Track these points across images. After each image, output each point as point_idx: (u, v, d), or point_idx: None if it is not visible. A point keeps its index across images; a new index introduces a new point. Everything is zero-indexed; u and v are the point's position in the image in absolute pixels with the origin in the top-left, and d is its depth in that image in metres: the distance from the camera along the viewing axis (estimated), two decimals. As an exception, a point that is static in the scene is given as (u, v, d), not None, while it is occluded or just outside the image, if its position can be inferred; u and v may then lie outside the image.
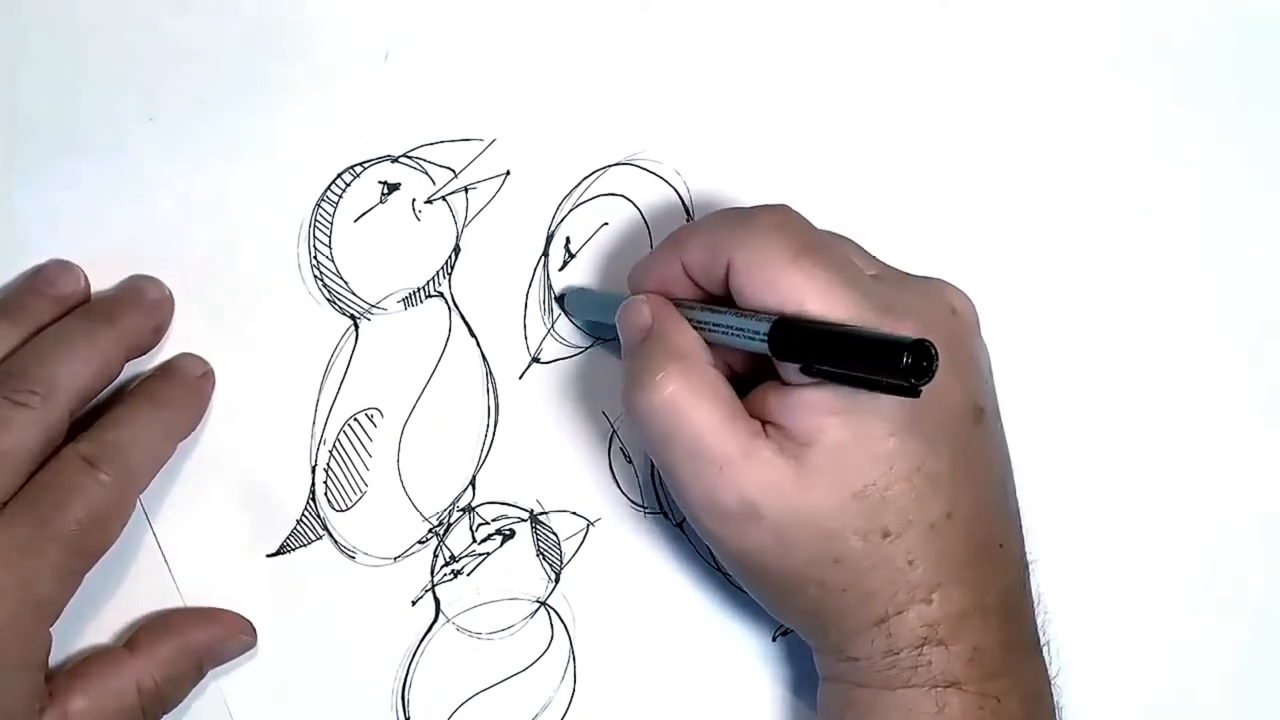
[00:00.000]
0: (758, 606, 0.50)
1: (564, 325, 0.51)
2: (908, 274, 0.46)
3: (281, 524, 0.50)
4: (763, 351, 0.42)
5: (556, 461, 0.51)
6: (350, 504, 0.50)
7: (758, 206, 0.45)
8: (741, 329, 0.43)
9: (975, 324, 0.45)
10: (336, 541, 0.50)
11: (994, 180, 0.52)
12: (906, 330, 0.41)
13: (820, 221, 0.47)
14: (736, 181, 0.51)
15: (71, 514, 0.44)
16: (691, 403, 0.43)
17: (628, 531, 0.51)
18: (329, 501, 0.50)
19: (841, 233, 0.46)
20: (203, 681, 0.49)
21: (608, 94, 0.51)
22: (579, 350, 0.51)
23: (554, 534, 0.51)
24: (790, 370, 0.42)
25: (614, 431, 0.51)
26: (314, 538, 0.50)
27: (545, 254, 0.51)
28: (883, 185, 0.52)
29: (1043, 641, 0.45)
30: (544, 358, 0.51)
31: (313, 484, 0.50)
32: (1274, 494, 0.53)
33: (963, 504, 0.43)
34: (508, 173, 0.51)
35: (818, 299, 0.42)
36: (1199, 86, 0.53)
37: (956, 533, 0.43)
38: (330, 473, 0.50)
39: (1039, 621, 0.45)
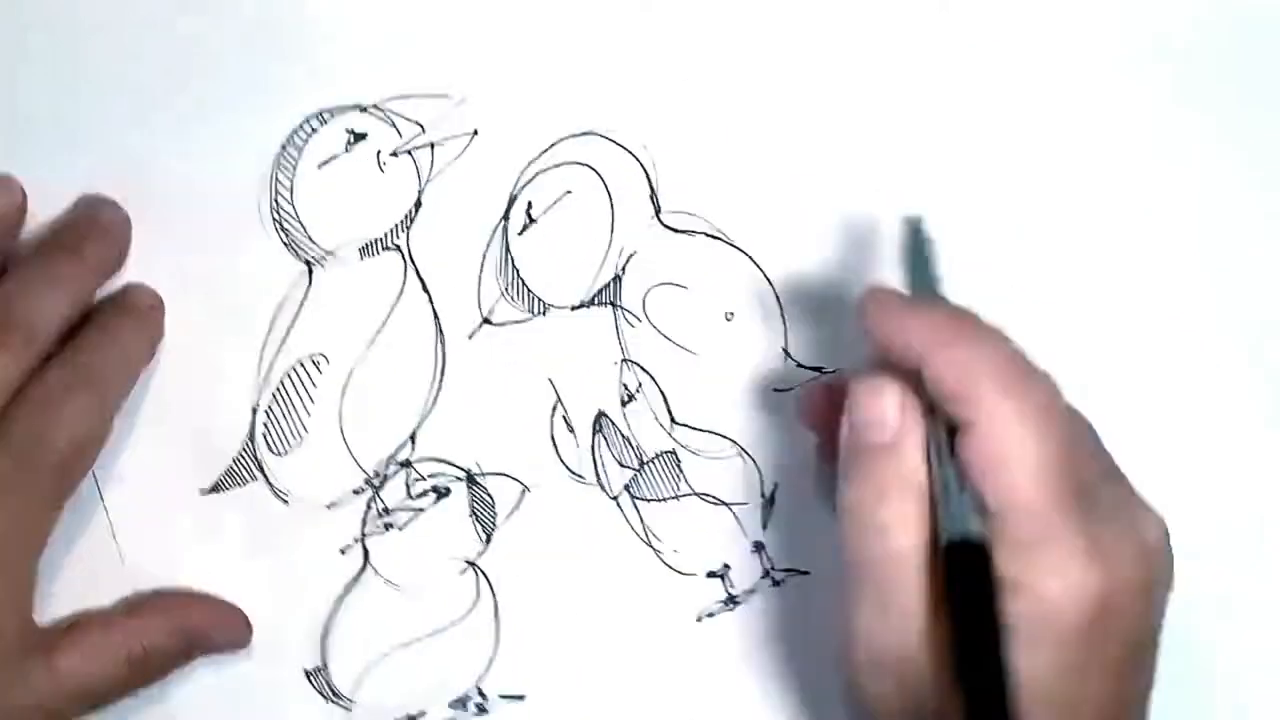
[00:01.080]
0: (685, 588, 0.50)
1: (518, 290, 0.51)
2: (1127, 492, 0.42)
3: (217, 462, 0.50)
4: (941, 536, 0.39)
5: (498, 424, 0.51)
6: (288, 448, 0.50)
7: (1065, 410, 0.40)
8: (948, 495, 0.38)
9: (1168, 558, 0.41)
10: (271, 484, 0.50)
11: (991, 179, 0.52)
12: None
13: (805, 216, 0.47)
14: (706, 163, 0.51)
15: (52, 443, 0.44)
16: (899, 538, 0.39)
17: (563, 500, 0.51)
18: (267, 444, 0.50)
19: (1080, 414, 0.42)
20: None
21: (582, 62, 0.51)
22: (531, 316, 0.51)
23: (489, 496, 0.51)
24: None
25: (558, 399, 0.51)
26: (248, 479, 0.50)
27: (506, 217, 0.51)
28: (871, 182, 0.51)
29: None
30: (495, 320, 0.51)
31: (252, 425, 0.50)
32: (1273, 496, 0.52)
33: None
34: (475, 132, 0.51)
35: (1027, 481, 0.37)
36: (1199, 86, 0.52)
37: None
38: (271, 415, 0.50)
39: None
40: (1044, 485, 0.37)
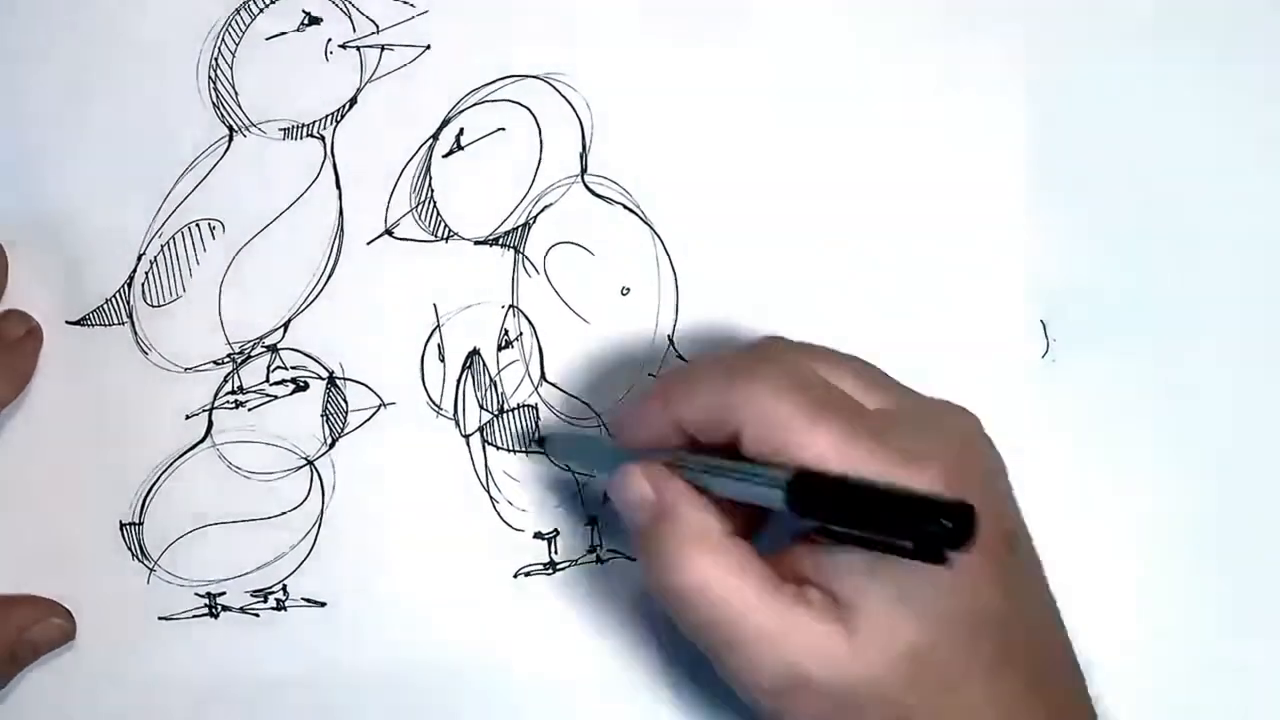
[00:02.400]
0: (511, 542, 0.50)
1: (427, 211, 0.51)
2: (917, 398, 0.44)
3: (90, 297, 0.50)
4: (778, 507, 0.40)
5: (372, 334, 0.51)
6: (163, 302, 0.50)
7: (757, 355, 0.43)
8: (754, 479, 0.40)
9: (989, 446, 0.43)
10: (136, 332, 0.50)
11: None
12: (930, 479, 0.39)
13: (724, 216, 0.47)
14: (643, 137, 0.51)
15: None
16: (723, 583, 0.41)
17: (416, 425, 0.51)
18: (143, 293, 0.50)
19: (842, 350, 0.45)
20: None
21: (551, 5, 0.51)
22: (433, 239, 0.51)
23: (345, 401, 0.51)
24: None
25: (438, 327, 0.51)
26: (116, 321, 0.50)
27: (435, 137, 0.51)
28: (802, 195, 0.51)
29: None
30: (397, 234, 0.51)
31: (134, 271, 0.50)
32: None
33: (1016, 640, 0.41)
34: (428, 46, 0.51)
35: (839, 457, 0.40)
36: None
37: (1016, 673, 0.41)
38: (155, 265, 0.50)
39: None
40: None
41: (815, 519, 0.40)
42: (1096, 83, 0.52)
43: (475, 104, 0.51)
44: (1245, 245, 0.52)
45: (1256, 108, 0.52)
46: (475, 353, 0.51)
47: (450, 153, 0.51)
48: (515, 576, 0.51)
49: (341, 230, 0.51)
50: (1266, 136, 0.52)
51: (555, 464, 0.50)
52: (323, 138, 0.51)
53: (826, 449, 0.40)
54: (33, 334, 0.49)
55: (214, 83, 0.50)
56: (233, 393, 0.50)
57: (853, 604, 0.40)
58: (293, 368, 0.51)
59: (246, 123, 0.50)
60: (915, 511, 0.37)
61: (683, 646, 0.48)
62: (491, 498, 0.51)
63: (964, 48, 0.52)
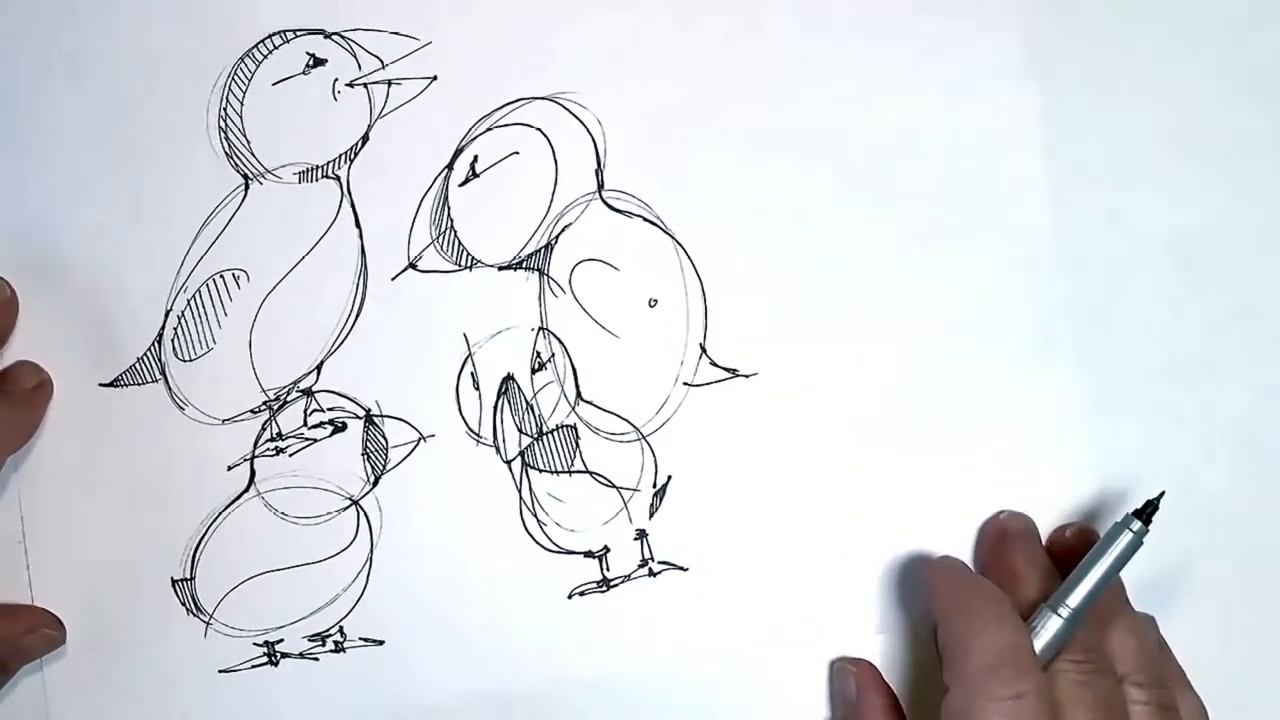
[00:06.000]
0: (562, 563, 0.50)
1: (448, 241, 0.51)
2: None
3: (122, 357, 0.50)
4: None
5: (406, 369, 0.51)
6: (194, 356, 0.50)
7: None
8: None
9: None
10: (171, 388, 0.50)
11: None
12: None
13: (747, 221, 0.48)
14: (657, 149, 0.51)
15: None
16: None
17: (457, 456, 0.51)
18: (174, 348, 0.50)
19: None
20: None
21: (552, 28, 0.51)
22: (457, 268, 0.51)
23: (384, 438, 0.51)
24: None
25: (470, 355, 0.51)
26: (150, 379, 0.50)
27: (450, 166, 0.51)
28: (823, 204, 0.51)
29: None
30: (421, 266, 0.51)
31: (163, 327, 0.50)
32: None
33: None
34: (434, 78, 0.51)
35: None
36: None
37: None
38: (183, 320, 0.50)
39: None
40: None
41: None
42: (1101, 81, 0.52)
43: (487, 130, 0.51)
44: (1246, 244, 0.52)
45: (1260, 104, 0.52)
46: (510, 378, 0.51)
47: (466, 181, 0.51)
48: (570, 597, 0.51)
49: (365, 268, 0.51)
50: (1271, 132, 0.52)
51: (598, 480, 0.51)
52: (338, 178, 0.51)
53: None
54: (43, 386, 0.49)
55: (224, 133, 0.50)
56: (272, 440, 0.50)
57: None
58: (329, 409, 0.51)
59: (261, 170, 0.50)
60: None
61: (740, 659, 0.49)
62: (539, 520, 0.51)
63: (969, 50, 0.51)
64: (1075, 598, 0.46)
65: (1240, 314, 0.52)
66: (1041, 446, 0.51)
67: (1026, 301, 0.51)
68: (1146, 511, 0.47)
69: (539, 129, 0.51)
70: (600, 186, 0.51)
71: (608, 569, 0.51)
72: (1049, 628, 0.46)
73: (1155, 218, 0.52)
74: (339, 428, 0.51)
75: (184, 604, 0.50)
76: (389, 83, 0.51)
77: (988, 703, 0.43)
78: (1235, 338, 0.52)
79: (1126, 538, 0.46)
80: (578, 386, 0.51)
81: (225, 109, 0.50)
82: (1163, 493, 0.47)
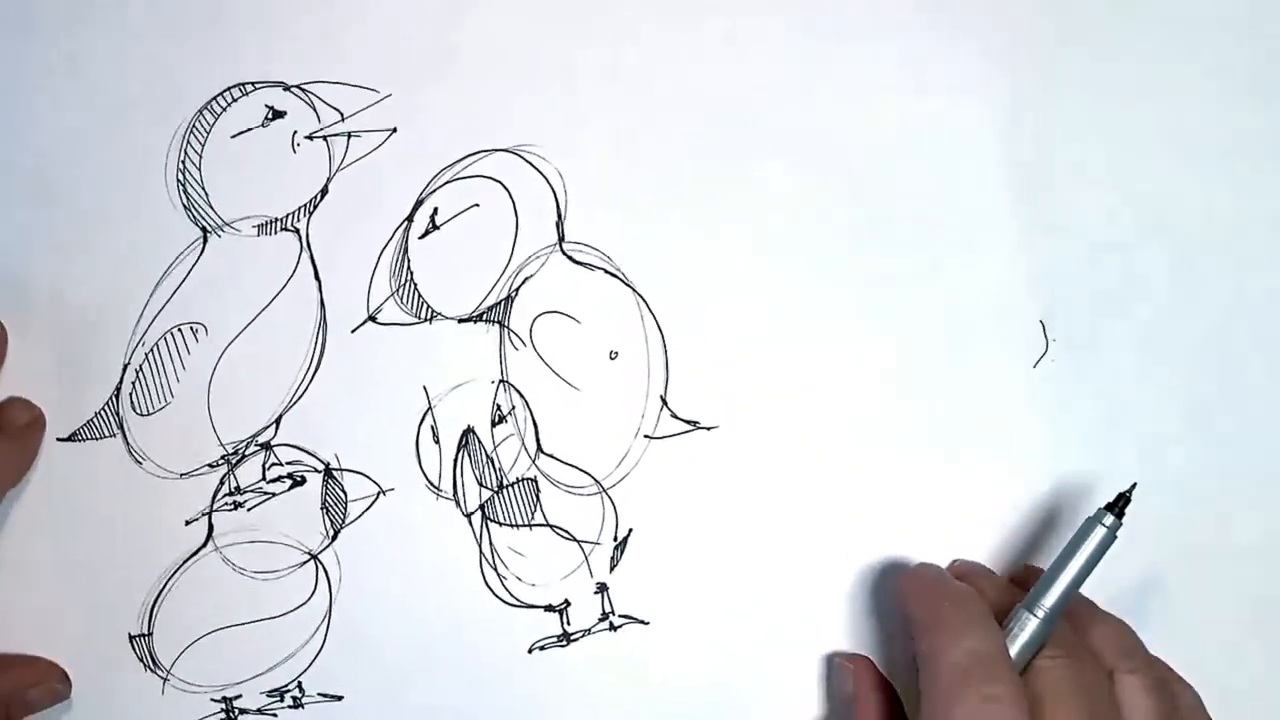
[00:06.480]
0: (523, 617, 0.50)
1: (408, 293, 0.51)
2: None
3: (80, 412, 0.50)
4: None
5: (365, 422, 0.51)
6: (152, 410, 0.50)
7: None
8: None
9: None
10: (128, 443, 0.50)
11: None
12: None
13: (706, 273, 0.48)
14: (617, 202, 0.51)
15: None
16: None
17: (416, 509, 0.51)
18: (132, 402, 0.50)
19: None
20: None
21: (512, 82, 0.51)
22: (417, 321, 0.51)
23: (343, 492, 0.50)
24: None
25: (430, 408, 0.51)
26: (107, 434, 0.50)
27: (410, 218, 0.51)
28: (782, 253, 0.51)
29: None
30: (381, 319, 0.51)
31: (120, 381, 0.50)
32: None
33: None
34: (394, 130, 0.51)
35: None
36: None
37: None
38: (140, 375, 0.50)
39: None
40: None
41: None
42: (1100, 81, 0.52)
43: (447, 182, 0.51)
44: (1241, 243, 0.52)
45: (1260, 104, 0.52)
46: (470, 431, 0.51)
47: (426, 233, 0.51)
48: (530, 651, 0.51)
49: (324, 321, 0.50)
50: (1271, 132, 0.52)
51: (559, 533, 0.50)
52: (297, 230, 0.50)
53: None
54: (37, 421, 0.49)
55: (183, 185, 0.50)
56: (230, 494, 0.50)
57: None
58: (288, 463, 0.50)
59: (219, 222, 0.50)
60: None
61: (700, 713, 0.49)
62: (500, 574, 0.51)
63: (952, 52, 0.52)
64: (1050, 597, 0.45)
65: (1240, 313, 0.52)
66: (1021, 460, 0.51)
67: (1021, 301, 0.51)
68: (1118, 505, 0.46)
69: (499, 181, 0.51)
70: (561, 239, 0.51)
71: (568, 623, 0.51)
72: (1026, 629, 0.45)
73: (1155, 218, 0.52)
74: (298, 481, 0.50)
75: (141, 659, 0.50)
76: (349, 135, 0.51)
77: (959, 706, 0.42)
78: (1235, 337, 0.52)
79: (1100, 533, 0.45)
80: (538, 439, 0.51)
81: (184, 161, 0.50)
82: (1134, 485, 0.46)
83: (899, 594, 0.48)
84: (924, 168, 0.52)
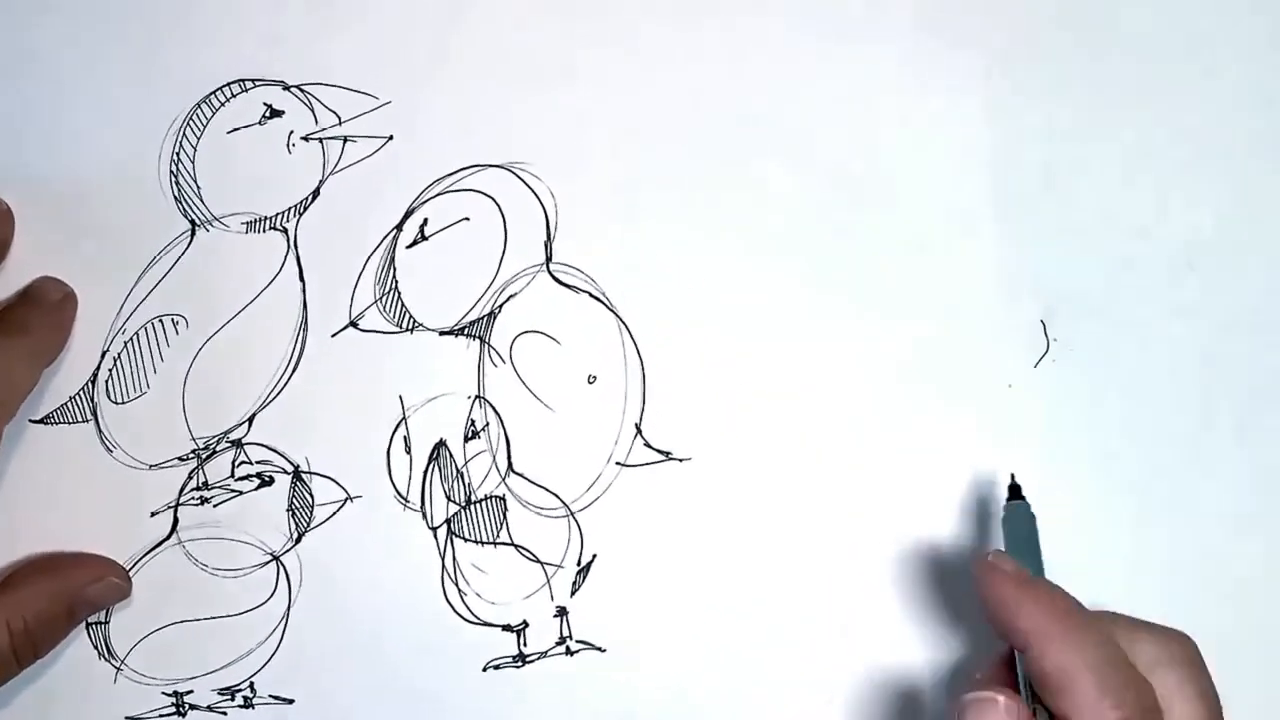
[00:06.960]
0: (480, 635, 0.50)
1: (392, 302, 0.51)
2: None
3: (54, 395, 0.50)
4: None
5: (338, 427, 0.50)
6: (127, 398, 0.50)
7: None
8: None
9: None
10: (101, 430, 0.50)
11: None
12: None
13: (690, 304, 0.48)
14: (608, 226, 0.51)
15: None
16: None
17: (382, 518, 0.50)
18: (107, 390, 0.50)
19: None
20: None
21: (511, 99, 0.51)
22: (398, 330, 0.51)
23: (311, 495, 0.50)
24: None
25: (404, 419, 0.50)
26: (80, 419, 0.50)
27: (399, 227, 0.51)
28: (769, 288, 0.51)
29: None
30: (362, 325, 0.51)
31: (98, 367, 0.50)
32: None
33: None
34: (390, 137, 0.51)
35: None
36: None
37: None
38: (118, 362, 0.50)
39: None
40: None
41: None
42: (1100, 82, 0.52)
43: (439, 194, 0.51)
44: (1242, 244, 0.52)
45: (1260, 104, 0.52)
46: (442, 444, 0.51)
47: (414, 243, 0.51)
48: (484, 670, 0.50)
49: (305, 323, 0.50)
50: (1271, 132, 0.52)
51: (523, 553, 0.50)
52: (285, 230, 0.50)
53: None
54: (69, 298, 0.49)
55: (175, 177, 0.50)
56: (197, 489, 0.50)
57: None
58: (258, 462, 0.50)
59: (209, 216, 0.50)
60: None
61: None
62: (460, 590, 0.50)
63: (952, 52, 0.51)
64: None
65: (1242, 313, 0.51)
66: (1021, 460, 0.51)
67: (1021, 301, 0.51)
68: (1016, 490, 0.46)
69: (491, 196, 0.51)
70: (548, 259, 0.51)
71: (525, 644, 0.50)
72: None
73: (1156, 218, 0.51)
74: (266, 481, 0.50)
75: (96, 647, 0.50)
76: (344, 139, 0.51)
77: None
78: (1236, 337, 0.51)
79: (1021, 519, 0.46)
80: (510, 458, 0.51)
81: (178, 153, 0.50)
82: (1012, 474, 0.47)
83: (994, 600, 0.44)
84: (924, 168, 0.51)
